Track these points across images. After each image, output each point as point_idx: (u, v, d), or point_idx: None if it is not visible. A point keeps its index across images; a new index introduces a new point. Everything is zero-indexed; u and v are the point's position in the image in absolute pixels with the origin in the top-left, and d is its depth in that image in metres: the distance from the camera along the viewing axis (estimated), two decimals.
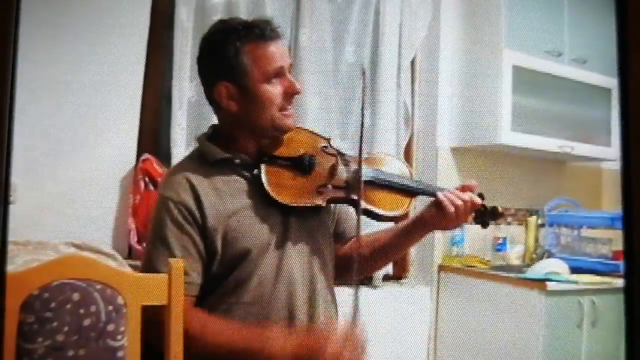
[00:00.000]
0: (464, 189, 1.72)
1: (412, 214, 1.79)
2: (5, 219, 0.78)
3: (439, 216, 1.69)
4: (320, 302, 1.64)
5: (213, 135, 1.70)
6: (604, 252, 3.19)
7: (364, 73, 2.55)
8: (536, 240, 3.39)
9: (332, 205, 1.77)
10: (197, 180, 1.58)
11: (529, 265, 3.16)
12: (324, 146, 1.73)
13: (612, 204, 3.63)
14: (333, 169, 1.68)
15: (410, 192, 1.74)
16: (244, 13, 2.80)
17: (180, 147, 2.66)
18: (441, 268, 3.28)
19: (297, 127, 1.72)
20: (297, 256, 1.62)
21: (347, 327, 1.53)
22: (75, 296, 1.35)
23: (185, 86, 2.69)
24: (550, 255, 3.29)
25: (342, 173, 1.68)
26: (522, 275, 2.92)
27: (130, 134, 2.63)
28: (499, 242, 3.34)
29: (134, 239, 2.54)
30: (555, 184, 3.65)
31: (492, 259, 3.30)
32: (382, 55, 3.13)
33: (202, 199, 1.56)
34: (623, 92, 0.90)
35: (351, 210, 1.76)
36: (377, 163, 1.78)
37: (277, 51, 1.62)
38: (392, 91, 3.15)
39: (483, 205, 1.75)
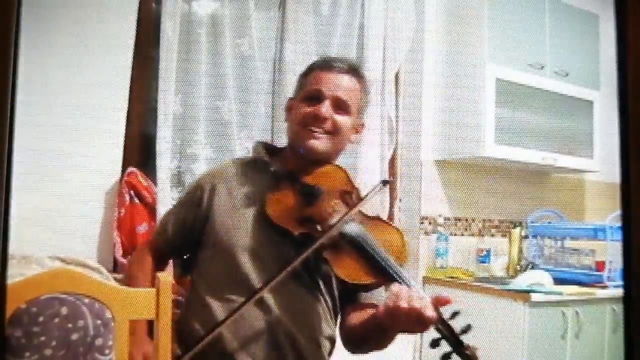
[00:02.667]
0: (436, 300, 1.46)
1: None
2: (5, 237, 0.78)
3: (386, 310, 1.42)
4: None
5: (275, 147, 1.84)
6: (587, 263, 3.21)
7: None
8: (520, 251, 3.39)
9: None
10: (230, 173, 1.72)
11: (512, 277, 3.18)
12: (346, 192, 1.65)
13: (595, 215, 3.66)
14: (329, 212, 1.59)
15: (380, 270, 1.53)
16: (229, 26, 2.81)
17: (166, 160, 2.66)
18: (425, 280, 3.29)
19: (338, 167, 1.71)
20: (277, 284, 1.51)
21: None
22: (64, 310, 1.36)
23: (171, 99, 2.69)
24: (533, 266, 3.31)
25: (334, 219, 1.57)
26: (505, 287, 2.93)
27: (116, 147, 2.63)
28: (483, 253, 3.36)
29: (118, 253, 2.53)
30: (539, 195, 3.67)
31: (475, 270, 3.32)
32: (366, 69, 3.14)
33: (218, 190, 1.68)
34: (622, 99, 0.91)
35: None
36: (378, 232, 1.60)
37: (328, 78, 1.68)
38: (376, 105, 3.17)
39: (452, 334, 1.51)
